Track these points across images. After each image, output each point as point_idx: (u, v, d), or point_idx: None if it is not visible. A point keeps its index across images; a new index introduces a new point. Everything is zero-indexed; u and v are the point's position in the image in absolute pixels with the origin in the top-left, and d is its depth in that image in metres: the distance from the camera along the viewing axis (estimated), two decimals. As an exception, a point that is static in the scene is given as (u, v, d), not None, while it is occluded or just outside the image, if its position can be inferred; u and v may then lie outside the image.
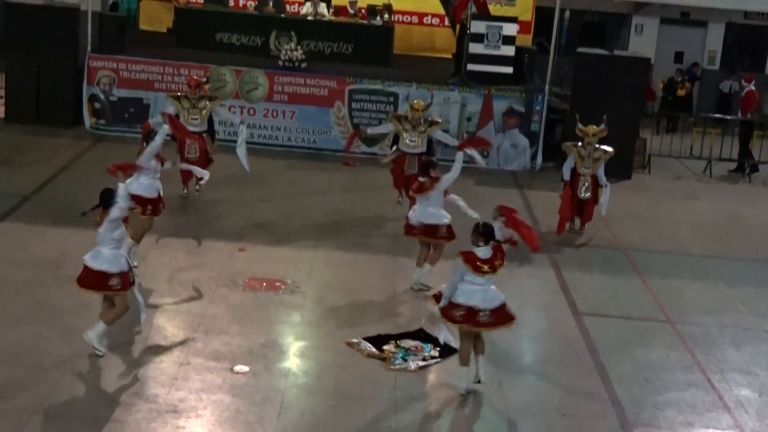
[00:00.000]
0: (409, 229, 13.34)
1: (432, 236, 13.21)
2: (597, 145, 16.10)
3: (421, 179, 13.15)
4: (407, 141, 15.95)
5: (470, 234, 10.43)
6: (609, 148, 16.15)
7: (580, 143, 16.21)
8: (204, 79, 17.79)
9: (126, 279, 10.53)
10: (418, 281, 13.28)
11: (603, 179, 16.13)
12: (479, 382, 10.47)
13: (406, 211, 14.72)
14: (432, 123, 16.31)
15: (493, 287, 10.35)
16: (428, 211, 13.14)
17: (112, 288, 10.45)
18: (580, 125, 16.35)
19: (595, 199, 16.28)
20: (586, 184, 16.09)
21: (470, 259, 10.24)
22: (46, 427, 9.18)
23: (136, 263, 12.63)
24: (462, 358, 10.43)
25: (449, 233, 13.23)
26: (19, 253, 13.36)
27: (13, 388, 9.77)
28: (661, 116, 25.41)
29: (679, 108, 26.18)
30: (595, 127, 16.13)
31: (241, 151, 15.92)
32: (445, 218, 13.23)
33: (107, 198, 10.52)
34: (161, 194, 13.16)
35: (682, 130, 24.77)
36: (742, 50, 28.79)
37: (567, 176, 16.20)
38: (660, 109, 26.32)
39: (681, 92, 26.58)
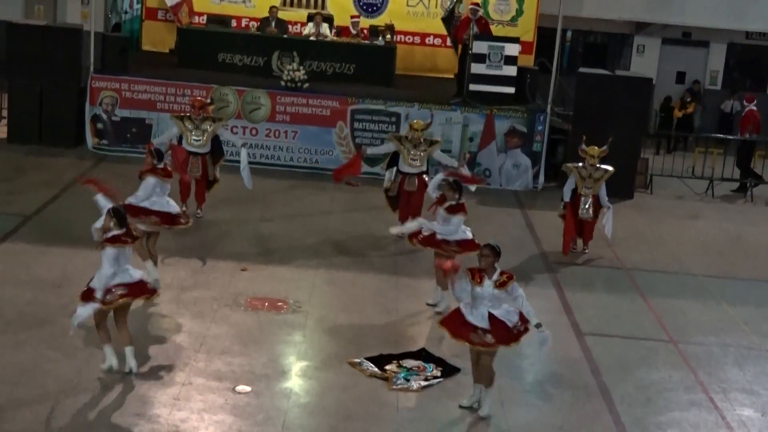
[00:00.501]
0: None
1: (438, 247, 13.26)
2: (598, 165, 16.11)
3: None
4: (409, 160, 15.97)
5: (485, 255, 10.32)
6: (609, 168, 16.17)
7: (581, 164, 16.23)
8: (208, 101, 17.83)
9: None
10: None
11: (605, 200, 16.13)
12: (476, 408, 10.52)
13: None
14: (432, 143, 16.34)
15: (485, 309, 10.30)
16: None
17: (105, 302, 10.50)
18: (583, 146, 16.36)
19: (596, 219, 16.28)
20: (588, 204, 16.09)
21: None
22: (47, 447, 9.17)
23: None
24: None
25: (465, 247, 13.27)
26: (21, 274, 13.36)
27: (15, 409, 9.76)
28: (663, 136, 25.47)
29: (680, 128, 26.24)
30: (597, 148, 16.15)
31: (246, 173, 16.00)
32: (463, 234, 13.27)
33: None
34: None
35: (685, 149, 24.79)
36: (744, 70, 28.82)
37: (567, 197, 16.21)
38: (659, 128, 26.38)
39: (689, 110, 26.64)
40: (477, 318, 10.24)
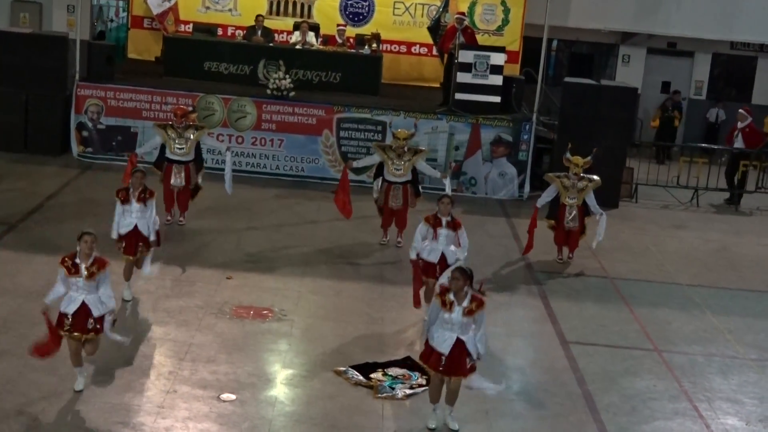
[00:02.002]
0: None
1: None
2: (582, 175, 16.13)
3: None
4: (393, 170, 16.00)
5: (456, 278, 10.09)
6: (595, 177, 16.20)
7: (564, 174, 16.26)
8: (190, 109, 17.80)
9: (76, 323, 10.38)
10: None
11: (597, 208, 16.11)
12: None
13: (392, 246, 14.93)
14: (417, 152, 16.36)
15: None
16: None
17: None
18: (568, 155, 16.40)
19: (582, 229, 16.29)
20: (573, 213, 16.11)
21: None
22: (31, 456, 9.14)
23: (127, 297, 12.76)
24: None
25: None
26: (5, 282, 13.32)
27: (-2, 417, 9.73)
28: (648, 146, 25.57)
29: (663, 138, 26.34)
30: (581, 158, 16.18)
31: (228, 177, 16.08)
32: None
33: None
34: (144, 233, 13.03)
35: (670, 159, 24.87)
36: (729, 80, 28.93)
37: (539, 203, 16.25)
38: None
39: (675, 123, 26.79)
40: (440, 342, 10.12)
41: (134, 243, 12.98)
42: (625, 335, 13.60)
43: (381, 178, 16.31)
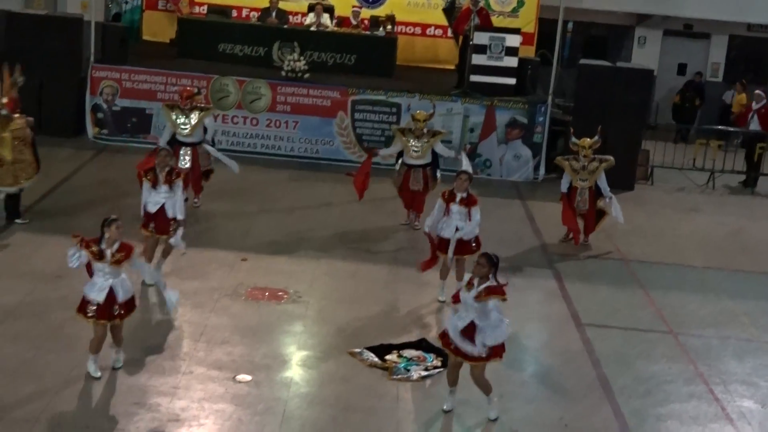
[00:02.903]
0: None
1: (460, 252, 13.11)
2: (593, 157, 16.05)
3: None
4: (411, 152, 15.96)
5: (480, 264, 9.95)
6: (608, 157, 16.12)
7: (572, 156, 16.19)
8: (196, 90, 17.72)
9: (102, 309, 10.26)
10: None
11: (607, 190, 16.09)
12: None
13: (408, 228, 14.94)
14: (435, 133, 16.33)
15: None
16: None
17: (87, 316, 10.30)
18: (573, 139, 16.32)
19: (594, 210, 16.21)
20: (584, 195, 16.04)
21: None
22: (47, 436, 9.18)
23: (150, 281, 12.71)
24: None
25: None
26: (19, 265, 13.35)
27: (14, 400, 9.76)
28: (664, 128, 25.48)
29: (683, 120, 26.27)
30: (588, 139, 16.10)
31: (223, 158, 16.14)
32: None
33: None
34: (168, 213, 12.87)
35: (686, 141, 24.78)
36: (746, 62, 28.77)
37: (563, 188, 16.18)
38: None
39: (696, 104, 26.77)
40: (451, 326, 10.04)
41: (163, 222, 12.86)
42: (639, 318, 13.57)
43: (401, 160, 16.28)
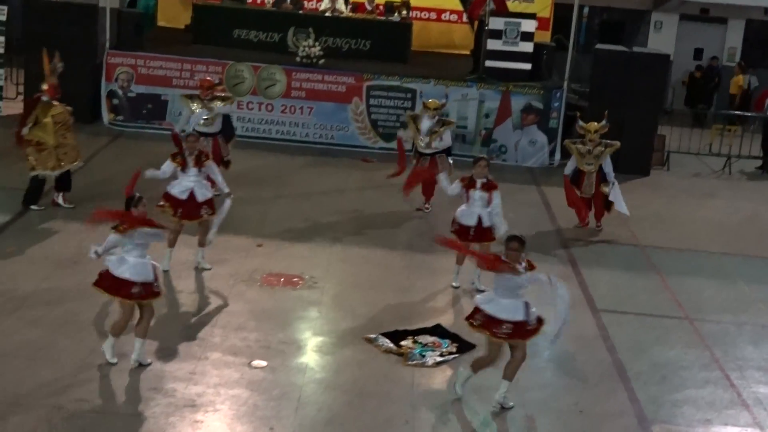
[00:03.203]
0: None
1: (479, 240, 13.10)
2: (599, 141, 15.99)
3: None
4: (420, 142, 15.89)
5: (509, 246, 9.96)
6: (614, 142, 16.08)
7: (579, 140, 16.18)
8: (216, 81, 17.72)
9: (149, 289, 10.25)
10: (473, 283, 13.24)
11: (611, 176, 16.03)
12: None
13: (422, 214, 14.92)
14: (445, 122, 16.22)
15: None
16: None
17: (132, 296, 10.19)
18: (580, 122, 16.33)
19: (601, 194, 16.15)
20: (591, 180, 16.03)
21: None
22: (63, 422, 9.21)
23: (166, 267, 12.74)
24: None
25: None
26: (35, 251, 13.40)
27: (31, 386, 9.80)
28: (680, 113, 25.38)
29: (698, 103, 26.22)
30: (596, 123, 16.06)
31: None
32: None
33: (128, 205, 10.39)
34: (198, 199, 12.89)
35: (702, 126, 24.68)
36: (762, 47, 28.60)
37: (567, 171, 16.28)
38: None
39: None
40: (499, 309, 9.97)
41: (193, 208, 12.83)
42: (655, 304, 13.55)
43: (413, 147, 16.23)
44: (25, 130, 14.94)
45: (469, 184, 13.00)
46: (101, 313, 11.23)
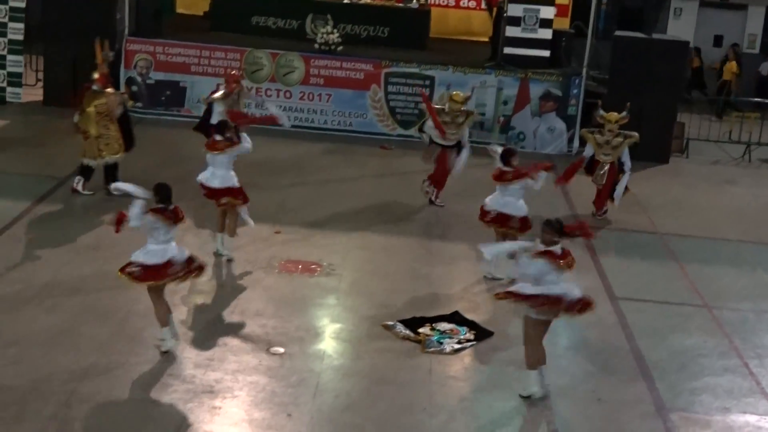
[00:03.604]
0: (483, 215, 13.25)
1: (504, 225, 13.12)
2: (618, 132, 15.86)
3: (502, 168, 13.13)
4: (448, 134, 15.68)
5: (542, 231, 9.99)
6: (632, 133, 15.94)
7: (597, 130, 16.08)
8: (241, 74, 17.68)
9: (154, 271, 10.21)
10: (489, 272, 13.17)
11: (626, 164, 15.96)
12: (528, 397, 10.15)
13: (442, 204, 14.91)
14: (468, 114, 16.07)
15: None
16: (505, 199, 13.08)
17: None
18: (601, 112, 16.20)
19: (610, 186, 16.02)
20: (603, 170, 15.92)
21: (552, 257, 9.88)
22: (83, 407, 9.25)
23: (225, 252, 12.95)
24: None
25: (522, 225, 13.13)
26: (56, 236, 13.45)
27: (50, 370, 9.85)
28: (698, 101, 25.27)
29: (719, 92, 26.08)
30: (616, 114, 15.94)
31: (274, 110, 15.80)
32: (522, 210, 13.14)
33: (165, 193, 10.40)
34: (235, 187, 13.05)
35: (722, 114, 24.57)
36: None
37: (585, 154, 16.23)
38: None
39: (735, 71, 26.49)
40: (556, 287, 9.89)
41: (237, 193, 13.06)
42: (674, 291, 13.51)
43: (431, 140, 15.98)
44: (75, 117, 15.22)
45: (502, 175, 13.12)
46: (122, 299, 11.25)
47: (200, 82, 20.06)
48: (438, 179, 16.02)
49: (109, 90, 15.34)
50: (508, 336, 11.46)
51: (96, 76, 15.22)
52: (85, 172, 15.30)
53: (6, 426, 8.84)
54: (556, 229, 9.94)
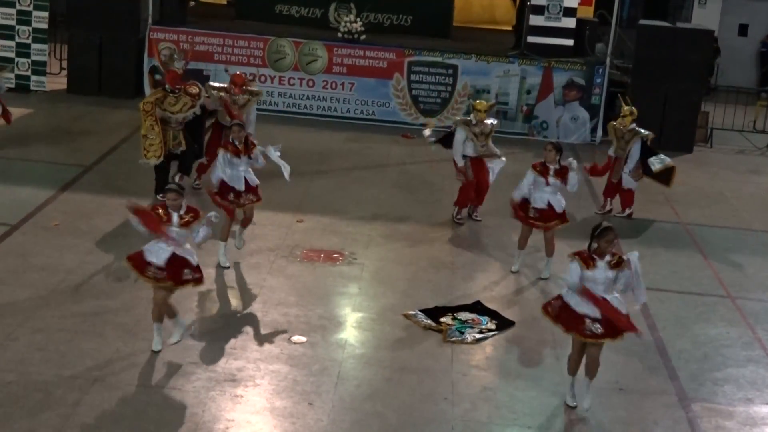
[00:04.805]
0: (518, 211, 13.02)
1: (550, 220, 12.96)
2: (631, 127, 15.63)
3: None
4: (478, 147, 14.79)
5: (597, 237, 9.68)
6: (642, 131, 15.57)
7: (619, 122, 15.81)
8: (249, 77, 17.40)
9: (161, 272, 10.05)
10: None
11: (631, 162, 15.51)
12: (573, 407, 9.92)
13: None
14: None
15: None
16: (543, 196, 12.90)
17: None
18: (629, 107, 15.84)
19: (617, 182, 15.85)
20: (619, 166, 15.69)
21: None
22: (105, 395, 9.31)
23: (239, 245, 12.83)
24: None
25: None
26: (81, 224, 13.53)
27: (74, 357, 9.92)
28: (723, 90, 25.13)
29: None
30: (625, 107, 15.74)
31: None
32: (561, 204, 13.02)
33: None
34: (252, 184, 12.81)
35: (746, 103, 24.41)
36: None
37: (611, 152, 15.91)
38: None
39: None
40: (586, 306, 9.53)
41: (255, 191, 12.81)
42: (697, 281, 13.47)
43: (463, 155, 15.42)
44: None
45: (543, 170, 12.81)
46: (146, 286, 11.28)
47: (223, 71, 20.09)
48: (476, 194, 15.15)
49: (194, 89, 14.65)
50: (530, 326, 11.46)
51: (165, 74, 14.70)
52: (157, 173, 14.53)
53: (30, 413, 8.90)
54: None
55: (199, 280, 10.22)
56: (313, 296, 11.88)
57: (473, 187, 14.93)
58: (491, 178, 14.89)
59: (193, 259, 10.15)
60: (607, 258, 9.55)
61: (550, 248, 13.00)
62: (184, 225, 10.05)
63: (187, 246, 10.18)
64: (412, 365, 10.40)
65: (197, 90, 14.76)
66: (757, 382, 10.71)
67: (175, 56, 15.09)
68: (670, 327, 11.83)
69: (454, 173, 15.14)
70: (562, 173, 12.85)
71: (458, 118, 16.06)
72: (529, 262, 13.36)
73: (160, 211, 10.09)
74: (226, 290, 11.88)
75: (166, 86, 14.60)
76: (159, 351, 10.18)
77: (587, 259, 9.56)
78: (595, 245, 9.59)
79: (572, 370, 9.84)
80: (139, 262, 10.10)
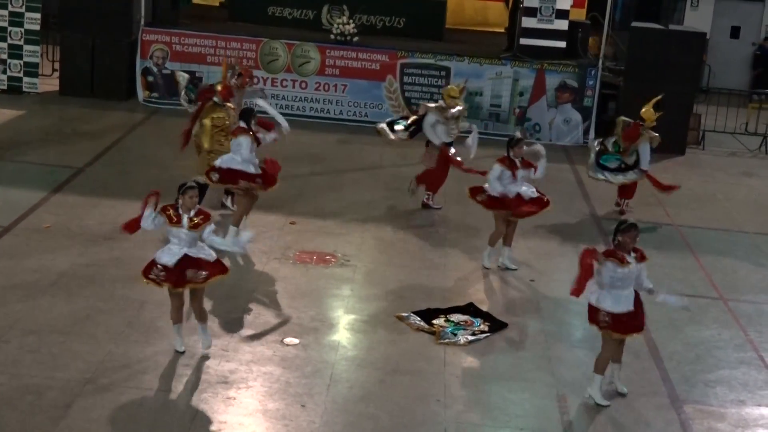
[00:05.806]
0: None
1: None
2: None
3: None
4: (450, 130, 15.16)
5: (622, 233, 9.84)
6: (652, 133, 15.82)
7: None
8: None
9: (170, 273, 9.98)
10: (503, 262, 13.24)
11: (644, 162, 15.73)
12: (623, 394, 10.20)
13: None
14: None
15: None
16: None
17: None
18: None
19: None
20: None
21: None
22: (98, 397, 9.30)
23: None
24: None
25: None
26: (72, 226, 13.51)
27: (67, 359, 9.91)
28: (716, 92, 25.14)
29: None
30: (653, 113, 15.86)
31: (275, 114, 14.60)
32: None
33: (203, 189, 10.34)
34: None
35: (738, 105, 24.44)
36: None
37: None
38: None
39: None
40: (623, 303, 9.87)
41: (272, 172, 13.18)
42: (690, 283, 13.48)
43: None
44: (194, 129, 14.37)
45: (511, 164, 12.91)
46: (137, 288, 11.27)
47: (216, 73, 20.03)
48: (434, 180, 15.43)
49: (230, 105, 14.48)
50: (523, 328, 11.48)
51: (219, 87, 14.50)
52: (202, 189, 14.48)
53: (23, 415, 8.89)
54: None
55: (208, 277, 10.04)
56: (305, 298, 11.87)
57: (443, 172, 15.22)
58: (473, 149, 14.92)
59: (210, 257, 10.08)
60: (633, 254, 9.82)
61: (510, 237, 13.19)
62: (194, 227, 10.01)
63: (201, 244, 10.11)
64: (404, 367, 10.40)
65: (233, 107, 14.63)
66: (749, 383, 10.73)
67: (232, 70, 14.94)
68: (662, 329, 11.84)
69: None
70: (528, 162, 13.06)
71: (430, 104, 15.94)
72: (526, 263, 13.38)
73: (170, 212, 10.04)
74: (218, 291, 11.83)
75: (215, 98, 14.38)
76: (183, 352, 10.20)
77: (622, 258, 9.75)
78: (618, 240, 9.84)
79: (603, 370, 10.00)
80: (147, 267, 10.08)
